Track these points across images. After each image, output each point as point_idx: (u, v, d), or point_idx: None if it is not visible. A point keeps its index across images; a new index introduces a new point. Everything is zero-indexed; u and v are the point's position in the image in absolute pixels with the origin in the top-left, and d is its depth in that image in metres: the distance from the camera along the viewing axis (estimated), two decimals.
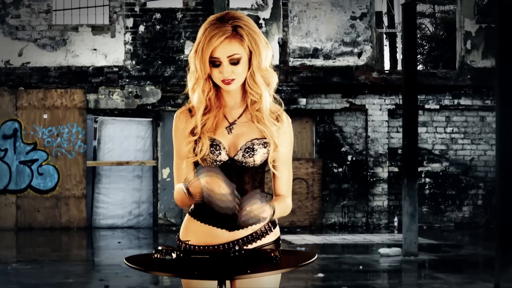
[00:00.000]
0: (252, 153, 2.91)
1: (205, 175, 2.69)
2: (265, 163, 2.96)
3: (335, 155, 15.44)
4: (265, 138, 2.93)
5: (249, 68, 2.90)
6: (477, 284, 8.86)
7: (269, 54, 2.92)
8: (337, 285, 8.80)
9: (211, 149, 2.90)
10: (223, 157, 2.91)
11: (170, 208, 14.94)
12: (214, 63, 2.86)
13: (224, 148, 2.91)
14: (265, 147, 2.93)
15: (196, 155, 2.92)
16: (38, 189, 14.86)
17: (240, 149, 2.92)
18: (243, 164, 2.91)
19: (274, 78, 2.95)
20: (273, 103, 2.98)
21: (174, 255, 2.70)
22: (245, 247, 2.93)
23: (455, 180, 15.77)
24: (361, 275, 9.64)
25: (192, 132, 2.94)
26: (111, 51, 15.12)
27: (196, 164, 2.97)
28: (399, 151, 15.03)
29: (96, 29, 15.16)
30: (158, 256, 2.70)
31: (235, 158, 2.92)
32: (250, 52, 2.88)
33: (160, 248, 2.71)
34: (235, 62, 2.85)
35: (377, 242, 12.90)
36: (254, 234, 2.95)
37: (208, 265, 2.65)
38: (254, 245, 2.95)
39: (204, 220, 2.95)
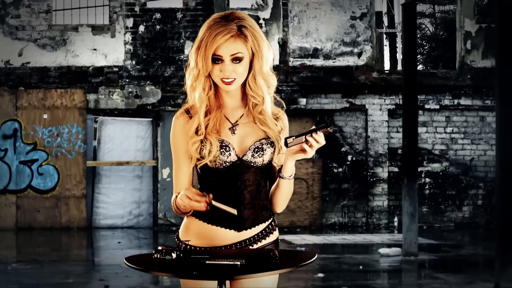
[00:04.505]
0: (262, 152, 2.92)
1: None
2: (271, 162, 2.96)
3: (335, 155, 15.43)
4: (270, 138, 2.95)
5: (250, 70, 2.90)
6: (477, 284, 8.86)
7: (270, 57, 2.93)
8: (337, 285, 8.80)
9: (221, 150, 2.89)
10: (233, 157, 2.91)
11: (170, 208, 14.93)
12: (216, 60, 2.84)
13: (233, 148, 2.91)
14: (272, 147, 2.94)
15: (202, 157, 2.90)
16: (38, 189, 14.85)
17: (249, 149, 2.91)
18: (252, 164, 2.92)
19: (274, 81, 2.97)
20: (273, 104, 3.00)
21: (174, 255, 2.70)
22: (249, 247, 2.94)
23: (455, 180, 15.75)
24: (361, 275, 9.64)
25: (196, 132, 2.91)
26: (111, 51, 15.12)
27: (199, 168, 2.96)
28: (399, 151, 15.02)
29: (96, 29, 15.15)
30: (158, 256, 2.70)
31: (244, 158, 2.91)
32: (253, 54, 2.88)
33: (160, 248, 2.71)
34: (237, 60, 2.84)
35: (377, 242, 12.89)
36: (260, 234, 2.96)
37: (208, 266, 2.64)
38: (258, 245, 2.95)
39: (209, 221, 2.93)
